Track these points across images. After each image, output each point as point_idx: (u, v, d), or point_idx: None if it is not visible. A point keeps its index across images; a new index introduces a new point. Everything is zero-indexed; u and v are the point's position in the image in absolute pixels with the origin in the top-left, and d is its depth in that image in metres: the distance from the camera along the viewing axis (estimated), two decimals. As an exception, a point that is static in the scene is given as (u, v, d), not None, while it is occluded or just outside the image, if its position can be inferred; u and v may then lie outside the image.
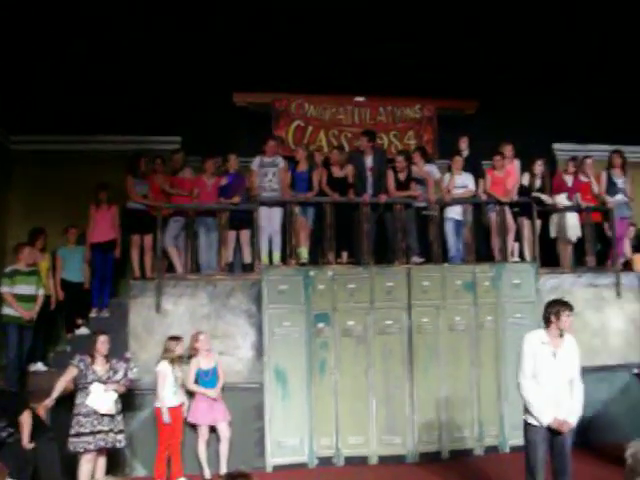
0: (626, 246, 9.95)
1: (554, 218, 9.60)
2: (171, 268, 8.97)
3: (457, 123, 10.88)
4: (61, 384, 6.69)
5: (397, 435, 8.18)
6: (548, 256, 9.39)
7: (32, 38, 8.98)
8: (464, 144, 9.92)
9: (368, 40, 9.85)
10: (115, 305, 8.47)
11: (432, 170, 9.81)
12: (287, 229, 8.96)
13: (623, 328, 9.21)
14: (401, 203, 9.14)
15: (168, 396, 7.21)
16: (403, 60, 10.13)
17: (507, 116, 10.23)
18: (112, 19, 8.97)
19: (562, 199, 9.56)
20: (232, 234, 9.03)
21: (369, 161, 9.31)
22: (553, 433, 5.31)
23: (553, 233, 9.59)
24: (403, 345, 8.34)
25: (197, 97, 9.95)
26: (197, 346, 7.59)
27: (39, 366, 8.23)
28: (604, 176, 9.85)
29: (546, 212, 9.56)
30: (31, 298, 8.17)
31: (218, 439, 7.54)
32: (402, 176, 9.34)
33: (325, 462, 7.99)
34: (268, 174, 9.16)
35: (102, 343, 6.80)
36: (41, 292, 8.31)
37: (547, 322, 5.43)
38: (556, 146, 11.41)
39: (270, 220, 9.01)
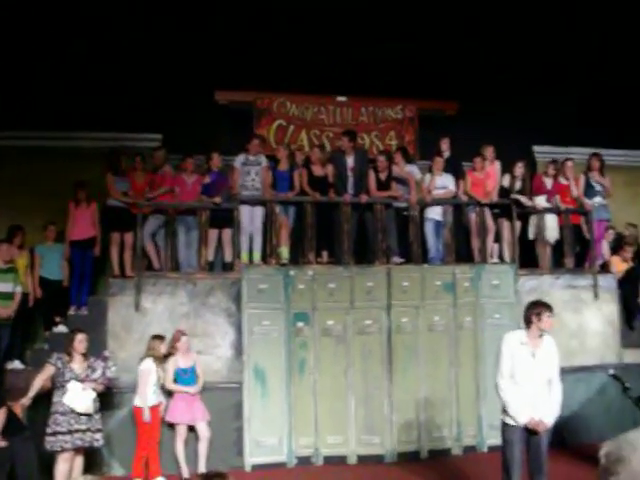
0: (604, 248, 10.05)
1: (533, 220, 9.65)
2: (151, 266, 8.93)
3: (438, 124, 10.92)
4: (38, 382, 6.64)
5: (376, 435, 8.20)
6: (527, 257, 9.45)
7: (4, 33, 8.91)
8: (445, 145, 9.96)
9: (350, 40, 9.87)
10: (94, 303, 8.42)
11: (413, 170, 9.84)
12: (268, 228, 8.94)
13: (600, 329, 9.29)
14: (382, 203, 9.15)
15: (149, 395, 7.19)
16: (385, 61, 10.16)
17: (488, 118, 10.27)
18: (89, 15, 8.93)
19: (541, 201, 9.62)
20: (214, 233, 9.01)
21: (350, 161, 9.30)
22: (530, 433, 5.35)
23: (532, 235, 9.64)
24: (382, 345, 8.35)
25: (178, 94, 9.90)
26: (178, 345, 7.57)
27: (16, 364, 8.13)
28: (582, 179, 9.94)
29: (525, 214, 9.61)
30: (8, 296, 8.10)
31: (197, 439, 7.52)
32: (383, 176, 9.34)
33: (304, 461, 7.99)
34: (251, 173, 9.13)
35: (80, 341, 6.76)
36: (19, 290, 8.24)
37: (528, 323, 5.45)
38: (536, 148, 11.51)
39: (251, 219, 8.99)
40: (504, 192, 9.59)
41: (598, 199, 9.83)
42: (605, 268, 9.84)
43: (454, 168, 9.80)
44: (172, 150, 9.50)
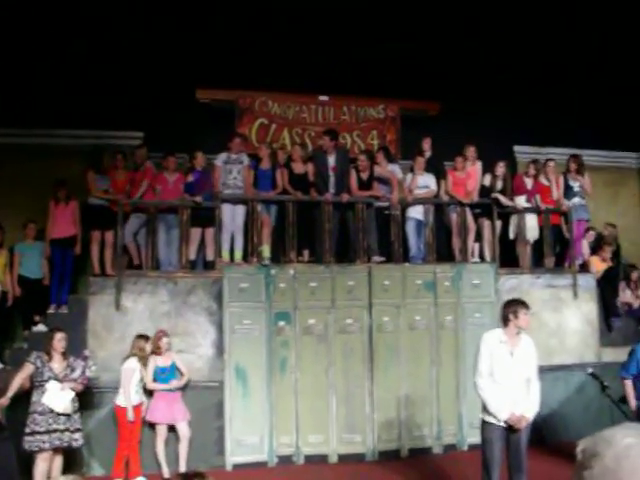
0: (584, 248, 10.13)
1: (514, 220, 9.72)
2: (132, 265, 8.89)
3: (420, 124, 10.95)
4: (17, 382, 6.59)
5: (357, 433, 8.22)
6: (507, 257, 9.51)
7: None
8: (427, 145, 10.00)
9: (332, 40, 9.87)
10: (74, 302, 8.36)
11: (395, 170, 9.86)
12: (249, 227, 8.92)
13: (580, 328, 9.37)
14: (363, 203, 9.17)
15: (132, 394, 7.16)
16: (367, 60, 10.18)
17: (469, 118, 10.30)
18: (70, 15, 8.87)
19: (521, 201, 9.68)
20: (198, 231, 8.98)
21: (332, 160, 9.29)
22: (510, 431, 5.38)
23: (513, 234, 9.70)
24: (364, 344, 8.37)
25: (160, 92, 9.83)
26: (159, 344, 7.55)
27: (-5, 363, 8.10)
28: (561, 180, 10.01)
29: (506, 213, 9.67)
30: (-13, 294, 8.04)
31: (177, 438, 7.50)
32: (365, 176, 9.35)
33: (285, 460, 7.99)
34: (233, 171, 9.10)
35: (59, 340, 6.72)
36: (-3, 288, 8.19)
37: (505, 321, 5.47)
38: (517, 148, 11.59)
39: (233, 218, 8.97)
40: (485, 192, 9.64)
41: (577, 199, 9.91)
42: (584, 268, 9.92)
43: (435, 168, 9.85)
44: (154, 148, 9.45)
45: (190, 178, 9.12)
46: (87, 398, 7.34)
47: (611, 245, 10.20)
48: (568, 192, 9.94)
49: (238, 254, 8.93)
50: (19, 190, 9.41)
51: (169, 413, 7.41)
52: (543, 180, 9.98)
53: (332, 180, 9.23)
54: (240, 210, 9.01)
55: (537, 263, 9.73)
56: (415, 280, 8.68)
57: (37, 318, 8.48)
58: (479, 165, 9.88)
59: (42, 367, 6.59)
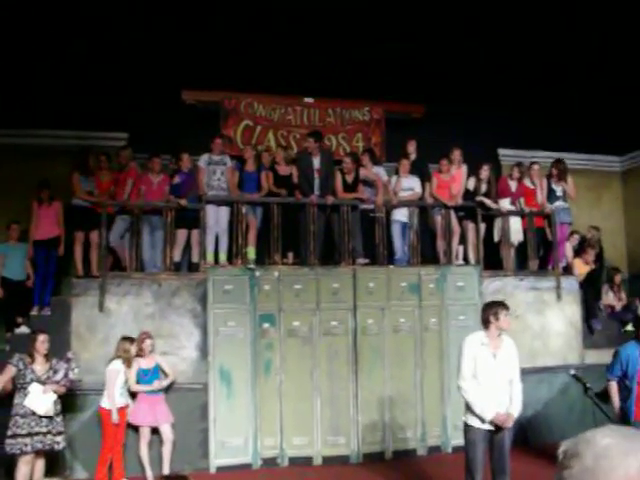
0: (567, 250, 10.19)
1: (498, 222, 9.76)
2: (116, 266, 8.85)
3: (405, 126, 10.99)
4: (-1, 384, 6.55)
5: (341, 436, 8.22)
6: (492, 259, 9.55)
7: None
8: (412, 147, 10.03)
9: (317, 42, 9.86)
10: (57, 303, 8.31)
11: (380, 172, 9.88)
12: (234, 229, 8.91)
13: (563, 330, 9.42)
14: (348, 205, 9.18)
15: (116, 396, 7.12)
16: (352, 63, 10.19)
17: (454, 120, 10.34)
18: (52, 16, 8.82)
19: (505, 204, 9.73)
20: (184, 233, 8.96)
21: (316, 162, 9.28)
22: (493, 432, 5.39)
23: (497, 237, 9.74)
24: (348, 346, 8.37)
25: (145, 93, 9.77)
26: (143, 346, 7.52)
27: (-23, 365, 8.02)
28: (544, 183, 10.07)
29: (490, 216, 9.71)
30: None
31: (161, 441, 7.47)
32: (350, 178, 9.36)
33: (269, 463, 7.98)
34: (216, 172, 9.10)
35: (41, 342, 6.67)
36: (-21, 290, 8.12)
37: (486, 323, 5.47)
38: (501, 151, 11.65)
39: (217, 219, 8.95)
40: (469, 194, 9.68)
41: (559, 203, 9.96)
42: (568, 270, 9.98)
43: (420, 170, 9.87)
44: (138, 149, 9.42)
45: (176, 180, 9.10)
46: (70, 400, 7.30)
47: (594, 248, 10.26)
48: (551, 195, 9.99)
49: (222, 256, 8.92)
50: (2, 190, 9.35)
51: (152, 415, 7.38)
52: (527, 183, 10.03)
53: (317, 182, 9.24)
54: (224, 212, 9.01)
55: (521, 266, 9.78)
56: (400, 282, 8.70)
57: (20, 320, 8.43)
58: (464, 168, 9.91)
59: (24, 369, 6.54)
